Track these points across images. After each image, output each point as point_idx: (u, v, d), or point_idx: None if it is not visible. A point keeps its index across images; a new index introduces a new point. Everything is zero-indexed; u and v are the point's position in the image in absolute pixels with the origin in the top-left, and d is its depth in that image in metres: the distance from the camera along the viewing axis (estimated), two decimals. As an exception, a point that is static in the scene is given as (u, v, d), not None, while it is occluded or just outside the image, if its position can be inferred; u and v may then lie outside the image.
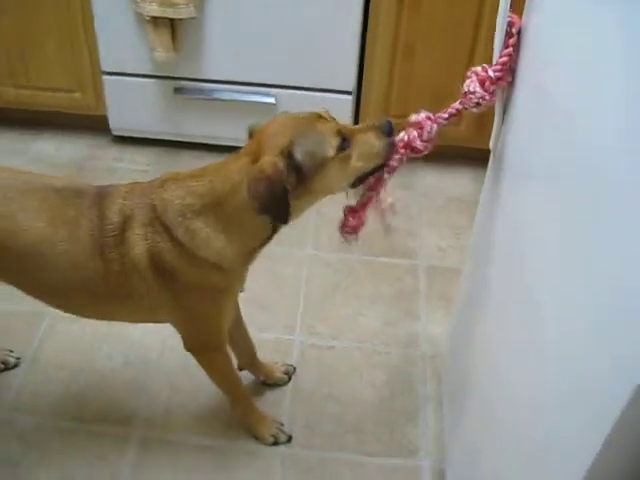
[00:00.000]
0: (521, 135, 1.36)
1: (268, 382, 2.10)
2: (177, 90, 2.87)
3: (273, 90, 2.83)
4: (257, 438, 1.96)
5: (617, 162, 0.87)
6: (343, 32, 2.68)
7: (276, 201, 1.42)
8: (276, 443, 1.95)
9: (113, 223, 1.53)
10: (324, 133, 1.44)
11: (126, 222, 1.53)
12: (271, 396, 2.08)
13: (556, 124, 1.14)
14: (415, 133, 1.45)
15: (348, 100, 2.82)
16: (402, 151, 1.47)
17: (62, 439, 1.94)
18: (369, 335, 2.28)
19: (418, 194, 2.89)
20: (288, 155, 1.41)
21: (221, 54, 2.78)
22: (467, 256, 1.89)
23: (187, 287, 1.58)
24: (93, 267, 1.55)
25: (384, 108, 2.82)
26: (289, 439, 1.97)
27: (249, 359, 2.05)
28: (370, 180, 1.53)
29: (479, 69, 1.36)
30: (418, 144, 1.45)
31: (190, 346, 1.75)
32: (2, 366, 2.10)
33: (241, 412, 1.96)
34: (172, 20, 2.62)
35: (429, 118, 1.44)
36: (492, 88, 1.35)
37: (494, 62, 1.35)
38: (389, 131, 1.47)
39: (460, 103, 1.40)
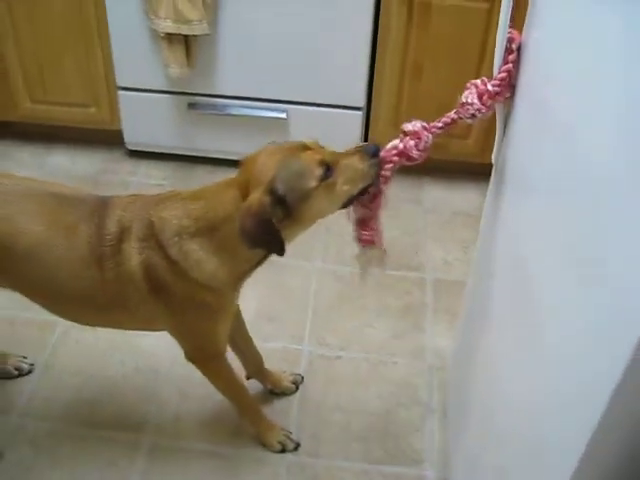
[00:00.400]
0: (522, 149, 1.39)
1: (276, 391, 2.13)
2: (191, 105, 2.92)
3: (284, 106, 2.88)
4: (265, 445, 1.99)
5: (616, 173, 0.89)
6: (353, 49, 2.73)
7: (266, 236, 1.46)
8: (284, 450, 1.98)
9: (111, 233, 1.57)
10: (306, 165, 1.47)
11: (124, 233, 1.57)
12: (279, 405, 2.11)
13: (556, 138, 1.17)
14: (412, 143, 1.47)
15: (358, 116, 2.87)
16: (396, 159, 1.49)
17: (73, 444, 1.98)
18: (376, 346, 2.31)
19: (425, 208, 2.93)
20: (272, 191, 1.44)
21: (234, 70, 2.84)
22: (470, 269, 1.92)
23: (181, 303, 1.62)
24: (89, 274, 1.59)
25: (393, 124, 2.86)
26: (297, 447, 2.00)
27: (256, 368, 2.09)
28: (370, 194, 1.55)
29: (479, 82, 1.39)
30: (414, 153, 1.48)
31: (190, 356, 1.79)
32: (16, 372, 2.14)
33: (249, 420, 2.00)
34: (186, 37, 2.68)
35: (425, 128, 1.47)
36: (489, 102, 1.39)
37: (494, 77, 1.39)
38: (374, 153, 1.50)
39: (456, 113, 1.44)
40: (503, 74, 1.37)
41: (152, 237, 1.56)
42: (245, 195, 1.49)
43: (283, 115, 2.87)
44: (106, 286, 1.60)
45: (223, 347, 1.80)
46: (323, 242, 2.68)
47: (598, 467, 0.94)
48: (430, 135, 1.47)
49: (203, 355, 1.80)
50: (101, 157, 3.16)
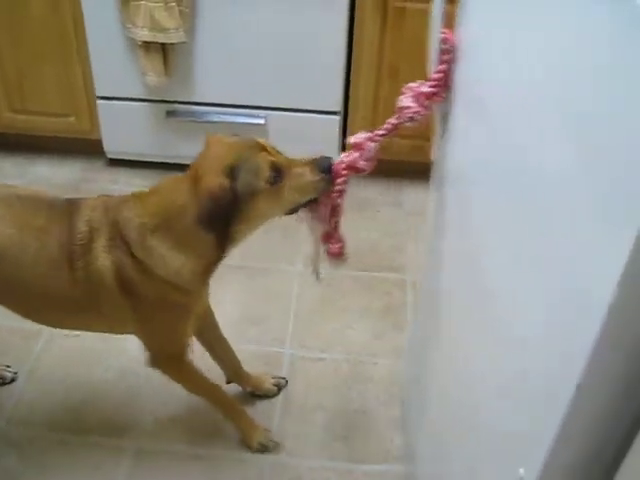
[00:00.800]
0: (460, 146, 1.42)
1: (257, 393, 2.15)
2: (169, 113, 2.94)
3: (262, 112, 2.91)
4: (245, 444, 2.01)
5: (551, 166, 0.93)
6: (329, 54, 2.76)
7: (221, 218, 1.50)
8: (264, 450, 2.00)
9: (82, 233, 1.61)
10: (259, 164, 1.51)
11: (93, 234, 1.61)
12: (261, 406, 2.13)
13: (490, 133, 1.20)
14: (357, 154, 1.50)
15: (335, 120, 2.90)
16: (345, 172, 1.52)
17: (59, 450, 1.99)
18: (357, 347, 2.34)
19: (406, 211, 2.96)
20: (230, 176, 1.49)
21: (211, 77, 2.86)
22: (422, 266, 1.94)
23: (148, 301, 1.65)
24: (60, 274, 1.62)
25: (370, 127, 2.88)
26: (276, 446, 2.02)
27: (234, 371, 2.10)
28: (326, 207, 1.58)
29: (415, 85, 1.41)
30: (361, 164, 1.50)
31: (154, 360, 1.80)
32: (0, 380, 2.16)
33: (230, 418, 2.01)
34: (163, 45, 2.70)
35: (369, 138, 1.49)
36: (426, 103, 1.41)
37: (429, 78, 1.41)
38: (326, 168, 1.53)
39: (396, 118, 1.45)
40: (438, 74, 1.39)
41: (118, 237, 1.60)
42: (197, 185, 1.53)
43: (261, 121, 2.90)
44: (77, 286, 1.62)
45: (185, 347, 1.82)
46: (304, 246, 2.70)
47: (566, 456, 0.96)
48: (373, 144, 1.49)
49: (166, 357, 1.82)
50: (82, 166, 3.17)
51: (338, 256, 1.66)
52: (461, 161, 1.42)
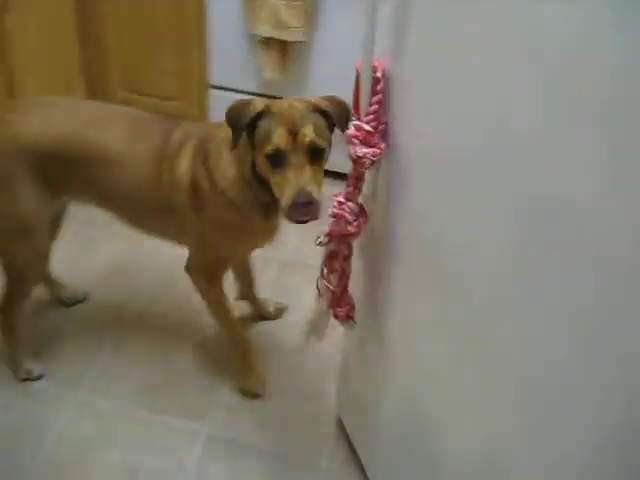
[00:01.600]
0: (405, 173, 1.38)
1: (261, 314, 2.41)
2: (281, 110, 2.96)
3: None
4: (241, 386, 2.14)
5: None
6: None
7: (237, 121, 1.63)
8: (254, 397, 2.13)
9: (175, 142, 1.84)
10: (273, 134, 1.58)
11: (184, 143, 1.84)
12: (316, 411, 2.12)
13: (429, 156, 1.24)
14: (341, 224, 1.45)
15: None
16: (344, 240, 1.50)
17: (136, 427, 2.03)
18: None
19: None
20: (259, 114, 1.61)
21: (325, 77, 2.85)
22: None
23: (209, 211, 1.82)
24: (150, 175, 1.83)
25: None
26: (266, 394, 2.13)
27: (248, 291, 2.35)
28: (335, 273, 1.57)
29: (354, 131, 1.33)
30: (350, 229, 1.45)
31: (192, 266, 1.98)
32: (72, 300, 2.40)
33: (236, 353, 2.12)
34: (283, 42, 2.73)
35: (341, 202, 1.43)
36: (376, 139, 1.33)
37: (366, 112, 1.34)
38: (301, 203, 1.54)
39: (357, 170, 1.39)
40: (375, 106, 1.32)
41: (202, 148, 1.81)
42: None
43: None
44: (161, 188, 1.83)
45: (224, 269, 2.00)
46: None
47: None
48: (349, 202, 1.43)
49: (205, 268, 1.97)
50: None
51: (346, 319, 1.64)
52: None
